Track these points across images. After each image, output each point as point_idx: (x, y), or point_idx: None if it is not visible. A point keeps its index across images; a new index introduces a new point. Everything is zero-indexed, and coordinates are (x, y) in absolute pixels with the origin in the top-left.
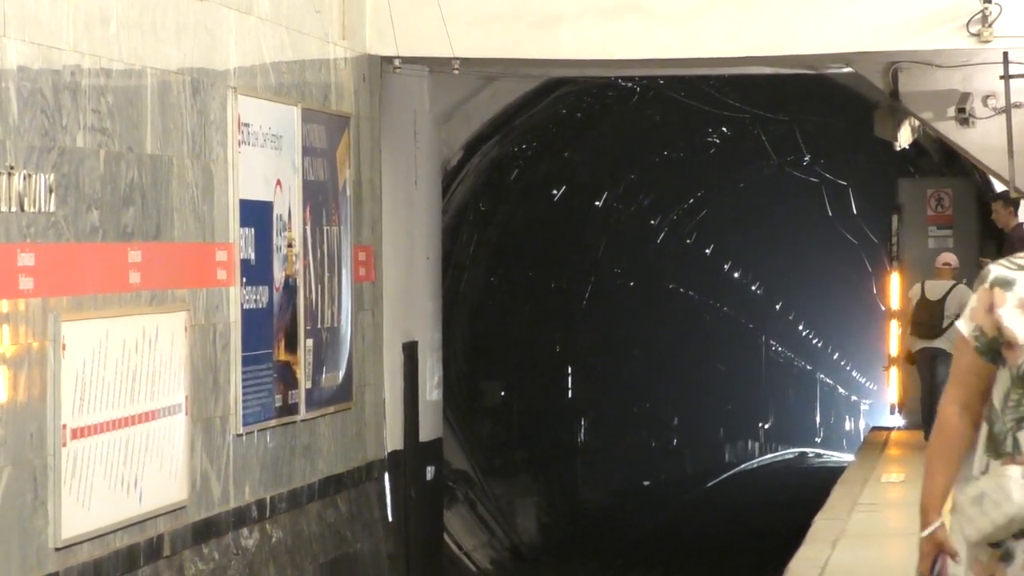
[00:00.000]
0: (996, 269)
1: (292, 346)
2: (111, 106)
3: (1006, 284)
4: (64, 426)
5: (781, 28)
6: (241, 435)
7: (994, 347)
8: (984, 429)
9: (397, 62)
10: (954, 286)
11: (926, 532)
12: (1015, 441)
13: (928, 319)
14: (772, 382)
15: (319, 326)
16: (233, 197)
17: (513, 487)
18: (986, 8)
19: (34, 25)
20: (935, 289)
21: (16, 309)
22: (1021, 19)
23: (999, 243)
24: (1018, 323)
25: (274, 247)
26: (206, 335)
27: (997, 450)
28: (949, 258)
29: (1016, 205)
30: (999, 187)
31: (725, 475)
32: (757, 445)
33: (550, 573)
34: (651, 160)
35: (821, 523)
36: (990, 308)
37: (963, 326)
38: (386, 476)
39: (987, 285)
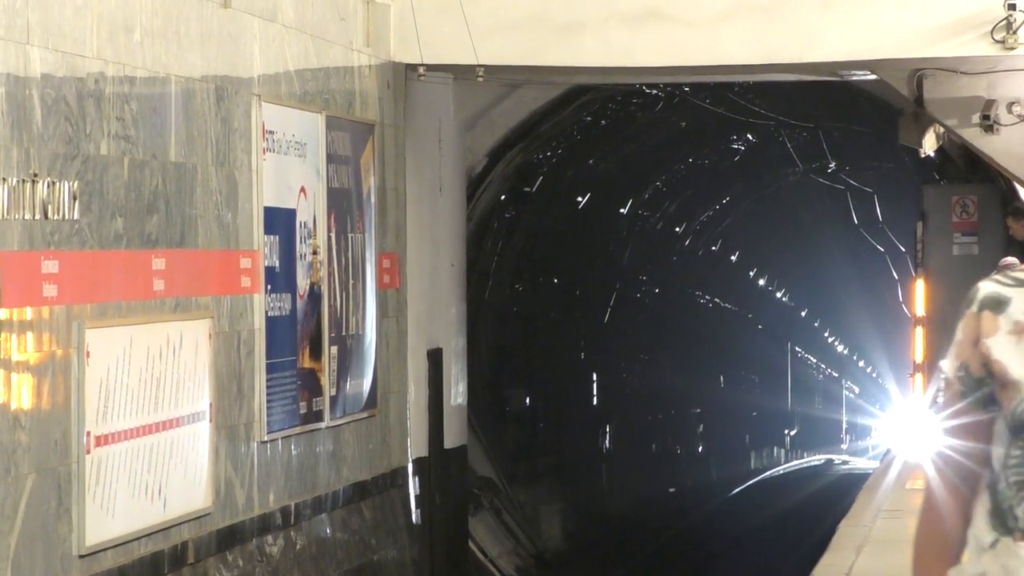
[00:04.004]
0: (987, 286)
1: (316, 353)
2: (135, 114)
3: (997, 306)
4: (88, 433)
5: (805, 35)
6: (265, 442)
7: (984, 390)
8: (985, 498)
9: (421, 69)
10: None
11: None
12: (1015, 514)
13: None
14: (798, 389)
15: (343, 333)
16: (257, 204)
17: (538, 494)
18: (1011, 15)
19: (58, 33)
20: None
21: (40, 316)
22: None
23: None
24: (1010, 354)
25: (298, 254)
26: (230, 342)
27: (1005, 524)
28: (1011, 262)
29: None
30: None
31: (751, 482)
32: (783, 452)
33: None
34: (676, 167)
35: (846, 529)
36: (976, 340)
37: (947, 364)
38: (411, 483)
39: (974, 308)
